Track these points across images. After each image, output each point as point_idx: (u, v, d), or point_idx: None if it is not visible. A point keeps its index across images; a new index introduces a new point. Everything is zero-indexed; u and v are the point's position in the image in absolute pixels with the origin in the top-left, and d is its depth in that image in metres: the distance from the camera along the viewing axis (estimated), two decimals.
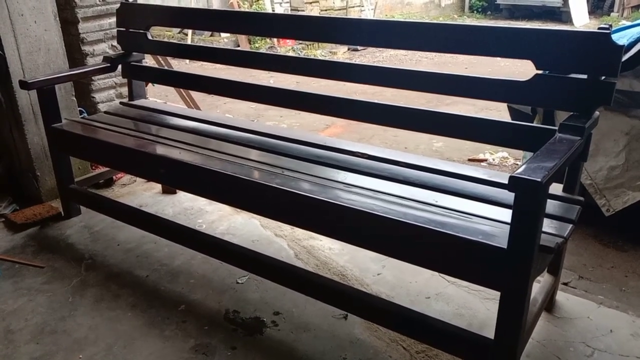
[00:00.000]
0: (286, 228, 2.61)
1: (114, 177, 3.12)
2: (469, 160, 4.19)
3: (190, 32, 9.28)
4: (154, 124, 2.58)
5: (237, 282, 2.23)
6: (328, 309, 1.99)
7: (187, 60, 7.88)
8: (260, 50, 8.47)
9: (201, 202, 2.88)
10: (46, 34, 2.72)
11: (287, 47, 8.96)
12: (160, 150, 2.24)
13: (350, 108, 2.23)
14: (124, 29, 2.78)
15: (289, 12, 9.41)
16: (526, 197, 1.32)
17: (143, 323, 2.00)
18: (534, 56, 1.75)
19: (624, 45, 1.68)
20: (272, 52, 8.15)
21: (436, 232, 1.51)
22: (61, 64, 2.82)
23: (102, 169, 3.00)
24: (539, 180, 1.25)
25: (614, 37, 1.74)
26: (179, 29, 9.56)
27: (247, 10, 9.06)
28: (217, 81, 2.65)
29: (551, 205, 1.68)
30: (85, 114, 3.06)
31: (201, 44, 8.63)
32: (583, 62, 1.68)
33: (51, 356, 1.84)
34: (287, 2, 9.57)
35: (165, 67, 4.37)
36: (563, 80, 1.73)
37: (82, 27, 3.01)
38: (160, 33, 9.55)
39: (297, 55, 8.00)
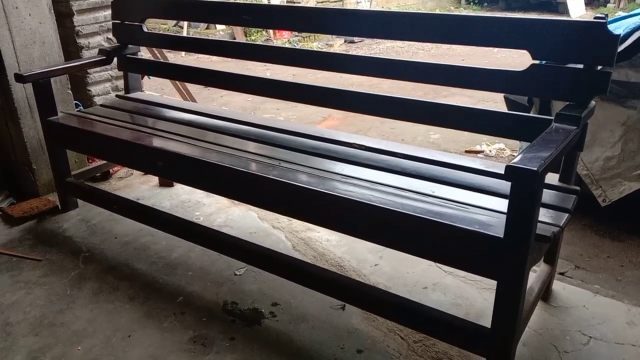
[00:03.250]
0: (284, 220, 2.62)
1: (110, 170, 3.11)
2: (466, 151, 4.20)
3: (185, 24, 9.24)
4: (150, 117, 2.57)
5: (235, 274, 2.24)
6: (326, 299, 2.00)
7: (183, 53, 7.86)
8: (257, 42, 8.44)
9: (198, 195, 2.88)
10: (41, 26, 2.70)
11: (283, 40, 8.93)
12: (157, 142, 2.24)
13: (347, 100, 2.23)
14: (119, 22, 2.77)
15: (285, 4, 9.37)
16: (522, 187, 1.33)
17: (141, 315, 2.01)
18: (530, 46, 1.75)
19: (620, 35, 1.68)
20: (268, 44, 8.13)
21: (433, 222, 1.52)
22: (56, 57, 2.80)
23: (99, 162, 2.99)
24: (535, 169, 1.26)
25: (610, 27, 1.74)
26: (174, 22, 9.51)
27: (242, 1, 9.01)
28: (213, 73, 2.65)
29: (547, 195, 1.68)
30: (81, 107, 3.05)
31: (197, 36, 8.59)
32: (579, 52, 1.68)
33: (50, 348, 1.85)
34: None
35: (161, 60, 4.35)
36: (559, 70, 1.73)
37: (77, 19, 2.99)
38: (155, 26, 9.50)
39: (293, 47, 7.98)
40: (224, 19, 3.00)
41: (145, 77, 3.76)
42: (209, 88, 5.85)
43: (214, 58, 7.62)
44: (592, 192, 2.77)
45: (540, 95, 2.46)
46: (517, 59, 7.02)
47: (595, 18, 1.64)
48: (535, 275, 1.90)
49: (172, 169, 2.21)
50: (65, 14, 2.96)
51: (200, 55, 7.66)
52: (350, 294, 1.87)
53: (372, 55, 1.95)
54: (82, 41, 3.05)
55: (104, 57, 2.76)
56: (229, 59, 2.54)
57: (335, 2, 10.03)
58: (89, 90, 3.15)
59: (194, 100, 4.58)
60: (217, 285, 2.17)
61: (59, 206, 2.75)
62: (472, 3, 13.04)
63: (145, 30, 2.72)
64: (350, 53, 8.27)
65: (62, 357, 1.81)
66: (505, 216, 1.40)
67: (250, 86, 2.53)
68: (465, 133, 2.03)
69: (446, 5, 12.89)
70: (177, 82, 4.61)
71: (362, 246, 2.37)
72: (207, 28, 9.34)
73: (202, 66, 2.75)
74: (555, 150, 1.39)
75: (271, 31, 8.87)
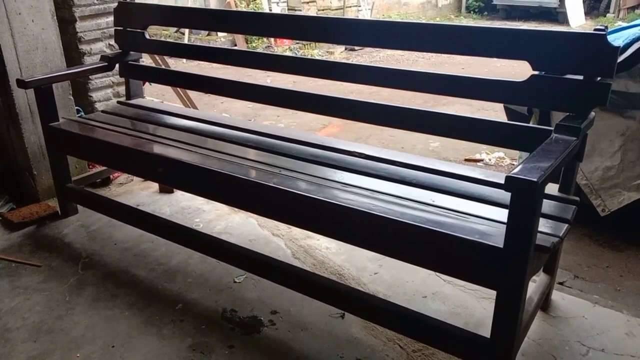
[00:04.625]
0: (283, 227, 2.62)
1: (111, 176, 3.11)
2: (466, 160, 4.20)
3: (187, 31, 9.27)
4: (151, 123, 2.58)
5: (235, 282, 2.24)
6: (325, 308, 2.00)
7: (184, 60, 7.87)
8: (258, 50, 8.47)
9: (198, 202, 2.88)
10: (43, 32, 2.71)
11: (284, 47, 8.96)
12: (158, 149, 2.25)
13: (347, 108, 2.24)
14: (121, 28, 2.79)
15: (286, 12, 9.40)
16: (522, 197, 1.33)
17: (140, 322, 2.00)
18: (530, 57, 1.76)
19: (619, 46, 1.69)
20: (269, 52, 8.15)
21: (433, 231, 1.52)
22: (58, 63, 2.81)
23: (99, 168, 2.99)
24: (535, 180, 1.26)
25: (610, 38, 1.75)
26: (175, 28, 9.54)
27: (244, 9, 9.05)
28: (214, 80, 2.65)
29: (547, 205, 1.69)
30: (83, 113, 3.06)
31: (198, 44, 8.62)
32: (579, 63, 1.69)
33: (48, 355, 1.85)
34: (284, 2, 9.57)
35: (163, 67, 4.37)
36: (559, 81, 1.74)
37: (80, 26, 3.00)
38: (157, 32, 9.53)
39: (294, 55, 8.00)
40: (226, 27, 3.01)
41: (147, 83, 3.77)
42: (209, 94, 5.86)
43: (215, 65, 7.63)
44: (591, 202, 2.77)
45: (540, 106, 2.47)
46: (516, 68, 7.04)
47: (595, 30, 1.64)
48: (534, 285, 1.90)
49: (173, 176, 2.22)
50: (67, 21, 2.97)
51: (202, 62, 7.67)
52: (350, 302, 1.87)
53: (372, 65, 1.96)
54: (84, 47, 3.06)
55: (106, 64, 2.77)
56: (230, 66, 2.56)
57: (337, 10, 10.07)
58: (91, 96, 3.16)
59: (194, 107, 4.59)
60: (216, 292, 2.17)
61: (59, 212, 2.76)
62: (472, 12, 13.10)
63: (147, 37, 2.74)
64: (350, 61, 8.30)
65: None
66: (504, 226, 1.40)
67: (251, 93, 2.54)
68: (465, 142, 2.03)
69: (446, 14, 12.95)
70: (178, 88, 4.62)
71: (361, 254, 2.37)
72: (208, 35, 9.37)
73: (203, 73, 2.76)
74: (555, 161, 1.40)
75: (272, 38, 8.90)
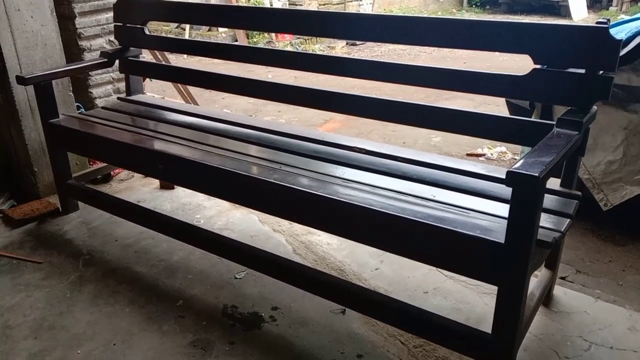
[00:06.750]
0: (284, 223, 2.61)
1: (111, 172, 3.11)
2: (467, 155, 4.19)
3: (187, 26, 9.25)
4: (151, 120, 2.57)
5: (236, 278, 2.24)
6: (326, 303, 1.99)
7: (185, 55, 7.86)
8: (259, 45, 8.45)
9: (199, 198, 2.88)
10: (43, 29, 2.70)
11: (285, 42, 8.93)
12: (158, 145, 2.24)
13: (349, 103, 2.23)
14: (121, 24, 2.78)
15: (287, 7, 9.37)
16: (524, 192, 1.32)
17: (141, 318, 2.00)
18: (532, 51, 1.75)
19: (622, 39, 1.67)
20: (270, 47, 8.12)
21: (434, 227, 1.51)
22: (58, 60, 2.80)
23: (100, 165, 2.99)
24: (537, 175, 1.25)
25: (612, 31, 1.74)
26: (176, 24, 9.52)
27: (244, 4, 9.03)
28: (215, 76, 2.64)
29: (549, 200, 1.68)
30: (83, 110, 3.05)
31: (199, 39, 8.59)
32: (581, 56, 1.68)
33: (50, 352, 1.85)
34: None
35: (163, 62, 4.36)
36: (561, 74, 1.72)
37: (79, 22, 2.99)
38: (157, 28, 9.51)
39: (295, 50, 7.98)
40: (226, 22, 3.00)
41: (147, 79, 3.76)
42: (210, 90, 5.85)
43: (216, 60, 7.62)
44: (593, 197, 2.76)
45: (542, 100, 2.45)
46: (518, 62, 7.02)
47: (597, 23, 1.63)
48: (536, 280, 1.90)
49: (173, 172, 2.21)
50: (67, 17, 2.96)
51: (202, 58, 7.66)
52: (351, 298, 1.86)
53: (374, 59, 1.94)
54: (84, 43, 3.05)
55: (106, 60, 2.76)
56: (231, 62, 2.56)
57: (338, 4, 10.04)
58: (91, 93, 3.15)
59: (195, 103, 4.58)
60: (217, 288, 2.17)
61: (60, 208, 2.76)
62: (474, 6, 13.05)
63: (147, 32, 2.73)
64: (352, 56, 8.27)
65: None
66: (506, 221, 1.39)
67: (252, 89, 2.53)
68: (467, 136, 2.03)
69: (448, 8, 12.90)
70: (178, 84, 4.61)
71: (362, 250, 2.36)
72: (209, 30, 9.35)
73: (203, 69, 2.75)
74: (557, 156, 1.39)
75: (273, 33, 8.87)
